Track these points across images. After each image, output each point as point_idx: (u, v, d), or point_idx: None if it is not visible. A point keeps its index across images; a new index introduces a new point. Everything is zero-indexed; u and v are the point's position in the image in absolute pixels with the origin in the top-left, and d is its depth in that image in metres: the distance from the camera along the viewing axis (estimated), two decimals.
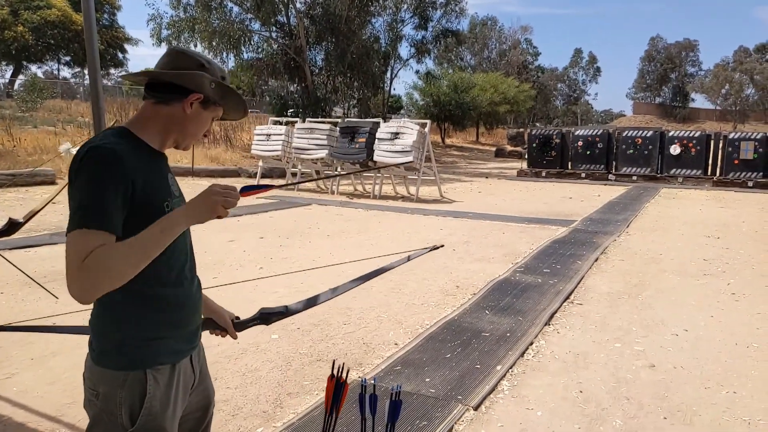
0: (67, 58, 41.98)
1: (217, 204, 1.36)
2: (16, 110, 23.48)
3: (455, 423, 3.03)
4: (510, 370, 3.72)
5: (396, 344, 4.18)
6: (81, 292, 1.27)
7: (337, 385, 1.79)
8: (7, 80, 40.24)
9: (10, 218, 3.27)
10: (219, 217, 1.37)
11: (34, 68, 40.47)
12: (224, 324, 1.76)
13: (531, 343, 4.20)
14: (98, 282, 1.27)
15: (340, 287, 2.15)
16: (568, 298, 5.36)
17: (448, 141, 40.79)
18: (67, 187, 1.40)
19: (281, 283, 5.62)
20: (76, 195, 1.33)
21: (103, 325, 1.46)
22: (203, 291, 1.65)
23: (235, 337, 1.79)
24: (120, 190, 1.34)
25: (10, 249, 6.85)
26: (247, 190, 1.53)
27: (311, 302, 2.01)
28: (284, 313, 1.85)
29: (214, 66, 1.54)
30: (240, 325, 1.80)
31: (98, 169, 1.33)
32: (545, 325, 4.61)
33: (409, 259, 2.24)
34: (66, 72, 47.67)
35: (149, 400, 1.42)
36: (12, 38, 34.82)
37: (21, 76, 37.56)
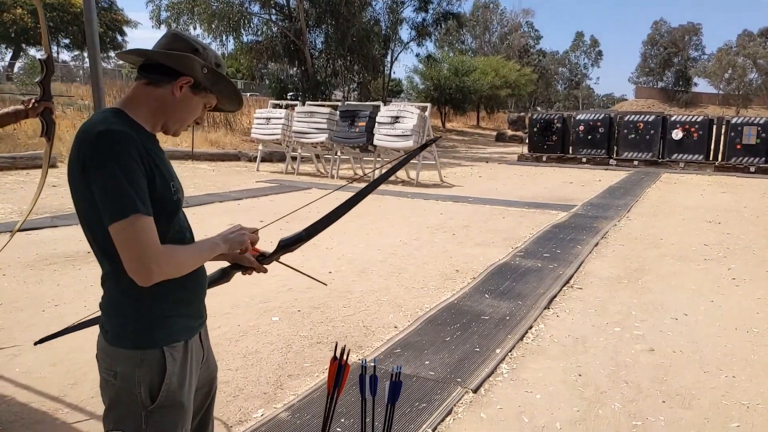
0: (67, 41, 41.69)
1: (245, 242, 1.65)
2: (16, 93, 23.37)
3: (454, 405, 3.05)
4: (509, 354, 3.74)
5: (396, 327, 4.20)
6: (148, 277, 1.36)
7: (338, 367, 1.80)
8: (6, 63, 40.02)
9: None
10: (242, 251, 1.68)
11: (33, 51, 40.22)
12: (248, 263, 1.77)
13: (530, 327, 4.22)
14: (167, 273, 1.40)
15: (346, 202, 2.11)
16: (567, 282, 5.37)
17: (448, 125, 40.65)
18: (71, 172, 1.40)
19: (281, 267, 5.62)
20: (107, 181, 1.33)
21: (119, 305, 1.47)
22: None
23: (265, 271, 1.80)
24: (144, 173, 1.38)
25: (11, 231, 6.85)
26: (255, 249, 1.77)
27: (329, 219, 1.99)
28: (303, 238, 1.83)
29: (209, 52, 1.52)
30: (265, 260, 1.80)
31: (122, 153, 1.34)
32: (545, 309, 4.63)
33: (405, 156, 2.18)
34: (65, 55, 47.39)
35: (168, 377, 1.45)
36: (11, 21, 34.54)
37: (21, 59, 37.35)
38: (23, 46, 38.80)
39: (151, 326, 1.45)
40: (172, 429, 1.48)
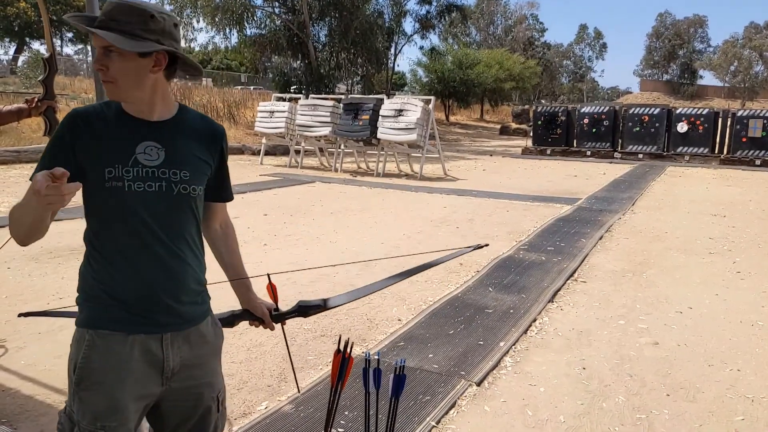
0: (70, 35, 41.71)
1: (45, 202, 1.25)
2: (19, 86, 23.40)
3: (458, 398, 3.05)
4: (513, 347, 3.74)
5: (399, 320, 4.20)
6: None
7: (342, 360, 1.79)
8: (10, 57, 40.03)
9: None
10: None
11: (36, 45, 40.24)
12: (260, 315, 1.77)
13: (534, 320, 4.21)
14: (13, 234, 1.43)
15: (378, 283, 2.08)
16: (572, 275, 5.36)
17: (452, 118, 40.53)
18: None
19: (285, 260, 5.63)
20: None
21: (78, 278, 1.55)
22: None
23: (272, 329, 1.80)
24: (64, 148, 1.44)
25: None
26: (270, 290, 1.79)
27: (351, 297, 1.98)
28: (322, 306, 1.83)
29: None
30: (278, 317, 1.79)
31: (58, 129, 1.47)
32: (549, 302, 4.62)
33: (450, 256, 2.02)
34: (69, 48, 47.42)
35: (82, 358, 1.47)
36: (15, 15, 34.57)
37: (24, 53, 37.33)
38: (27, 39, 38.80)
39: (86, 306, 1.50)
40: (93, 414, 1.44)
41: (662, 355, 3.66)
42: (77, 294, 1.54)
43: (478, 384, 3.21)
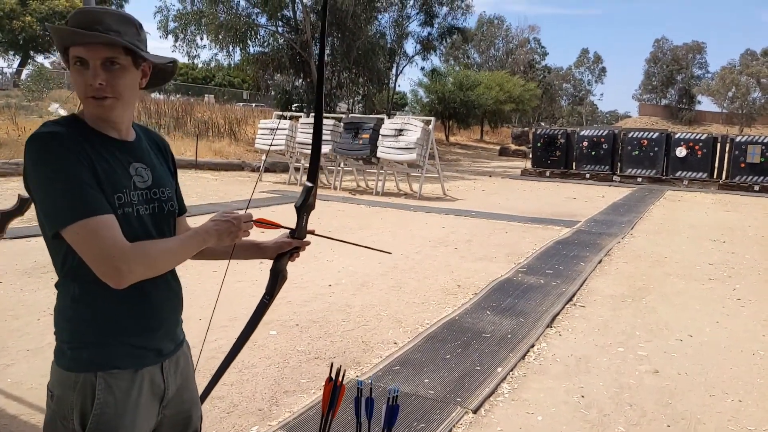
0: None
1: (237, 235, 1.50)
2: (22, 99, 23.49)
3: (454, 426, 2.98)
4: (510, 373, 3.67)
5: (395, 343, 4.13)
6: (119, 277, 1.26)
7: (333, 388, 1.74)
8: (14, 70, 40.24)
9: (19, 195, 3.20)
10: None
11: (41, 58, 40.43)
12: (290, 246, 1.69)
13: (532, 346, 4.14)
14: (141, 272, 1.29)
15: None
16: (570, 300, 5.30)
17: (452, 139, 40.67)
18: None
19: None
20: (43, 187, 1.27)
21: (61, 320, 1.38)
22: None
23: (308, 243, 1.73)
24: (85, 169, 1.27)
25: (11, 239, 6.80)
26: (261, 223, 1.65)
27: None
28: (313, 188, 1.72)
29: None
30: (298, 232, 1.72)
31: (52, 154, 1.25)
32: (547, 327, 4.55)
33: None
34: None
35: (99, 406, 1.31)
36: (20, 28, 34.83)
37: (28, 66, 37.52)
38: (31, 53, 39.02)
39: (86, 349, 1.34)
40: None
41: (662, 384, 3.59)
42: (62, 341, 1.37)
43: (475, 411, 3.14)
